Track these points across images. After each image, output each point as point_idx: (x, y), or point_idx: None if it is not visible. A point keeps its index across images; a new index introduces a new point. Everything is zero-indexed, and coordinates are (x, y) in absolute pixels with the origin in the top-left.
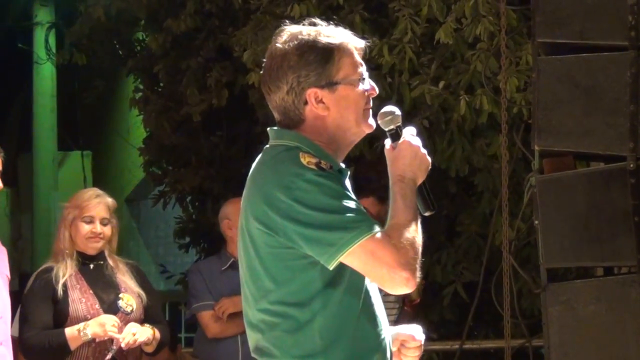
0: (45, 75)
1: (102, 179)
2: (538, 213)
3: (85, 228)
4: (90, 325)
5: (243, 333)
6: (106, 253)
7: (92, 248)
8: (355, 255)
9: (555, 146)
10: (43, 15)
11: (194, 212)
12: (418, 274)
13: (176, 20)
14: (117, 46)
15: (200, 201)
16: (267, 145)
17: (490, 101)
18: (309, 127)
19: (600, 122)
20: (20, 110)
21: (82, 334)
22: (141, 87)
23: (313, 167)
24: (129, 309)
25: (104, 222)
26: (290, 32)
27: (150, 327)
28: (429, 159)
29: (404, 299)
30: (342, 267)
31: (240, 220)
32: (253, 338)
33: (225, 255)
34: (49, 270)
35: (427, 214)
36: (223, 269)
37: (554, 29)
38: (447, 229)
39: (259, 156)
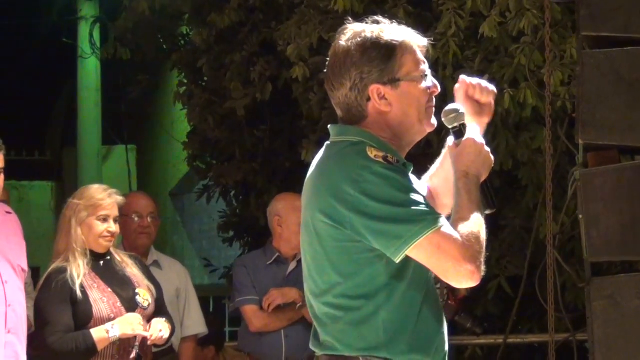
0: (89, 70)
1: (146, 173)
2: (582, 207)
3: (100, 227)
4: (118, 325)
5: (287, 327)
6: (111, 249)
7: (103, 247)
8: (422, 249)
9: (599, 140)
10: (87, 10)
11: (237, 206)
12: (483, 267)
13: (220, 15)
14: (161, 40)
15: (244, 195)
16: (329, 142)
17: (534, 95)
18: (372, 123)
19: None
20: (65, 105)
21: (110, 334)
22: (185, 81)
23: (380, 160)
24: (146, 304)
25: (116, 220)
26: (354, 30)
27: (167, 321)
28: (492, 157)
29: (448, 293)
30: (407, 260)
31: (304, 215)
32: (317, 330)
33: (271, 250)
34: (63, 270)
35: (488, 212)
36: (268, 263)
37: (598, 23)
38: (491, 223)
39: (322, 152)
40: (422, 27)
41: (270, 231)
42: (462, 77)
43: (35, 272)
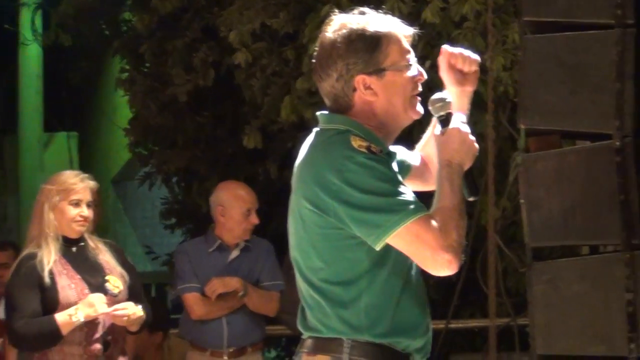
0: (31, 56)
1: (88, 160)
2: (524, 192)
3: (72, 211)
4: (80, 308)
5: (228, 315)
6: (86, 235)
7: (76, 232)
8: (401, 237)
9: (541, 125)
10: None
11: (180, 192)
12: (461, 256)
13: (162, 1)
14: (103, 27)
15: (186, 182)
16: (317, 129)
17: (481, 83)
18: (359, 112)
19: (586, 101)
20: (5, 91)
21: (73, 318)
22: (127, 67)
23: (364, 150)
24: (116, 291)
25: (89, 205)
26: (340, 21)
27: (142, 308)
28: (477, 145)
29: None
30: (388, 248)
31: (292, 201)
32: (304, 314)
33: (213, 238)
34: (33, 256)
35: (471, 199)
36: (210, 251)
37: (540, 8)
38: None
39: (310, 138)
40: None
41: (213, 218)
42: (444, 47)
43: None
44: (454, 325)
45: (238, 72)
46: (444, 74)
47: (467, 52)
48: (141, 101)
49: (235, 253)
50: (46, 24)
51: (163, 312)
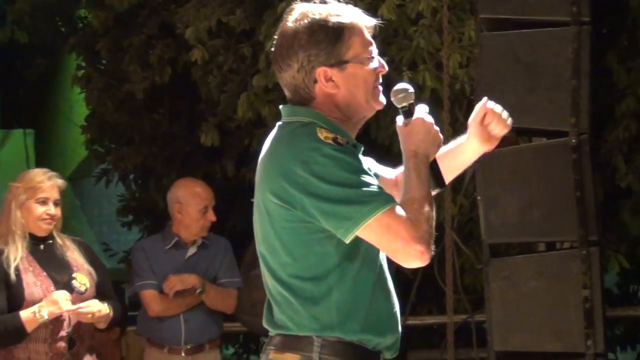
0: None
1: (44, 157)
2: (480, 189)
3: (39, 209)
4: (45, 305)
5: (186, 312)
6: (54, 232)
7: (44, 229)
8: (371, 229)
9: None
10: None
11: (136, 190)
12: (432, 247)
13: None
14: (60, 24)
15: (143, 179)
16: (280, 122)
17: (432, 77)
18: (321, 104)
19: (542, 98)
20: None
21: (38, 315)
22: (83, 64)
23: (330, 141)
24: (82, 289)
25: (56, 203)
26: (301, 10)
27: (108, 306)
28: (441, 136)
29: None
30: (357, 241)
31: (256, 196)
32: (272, 311)
33: (170, 234)
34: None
35: (436, 190)
36: (167, 248)
37: (496, 5)
38: None
39: (273, 132)
40: None
41: (170, 215)
42: (488, 101)
43: None
44: (411, 322)
45: (195, 69)
46: (473, 123)
47: (505, 114)
48: (97, 98)
49: (192, 250)
50: (1, 21)
51: (120, 309)
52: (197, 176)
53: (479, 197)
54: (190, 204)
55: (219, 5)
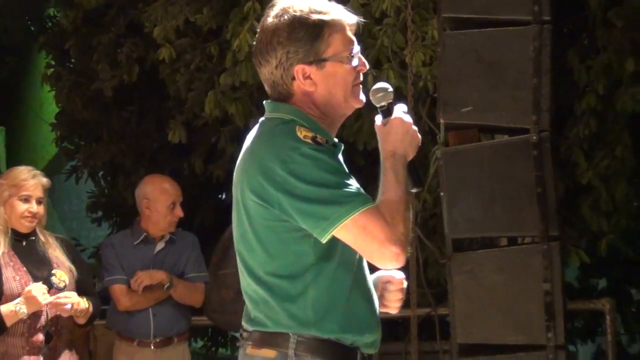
0: None
1: (15, 154)
2: (443, 185)
3: (21, 207)
4: (24, 300)
5: (154, 306)
6: (37, 229)
7: (26, 227)
8: (347, 230)
9: (460, 119)
10: None
11: (106, 186)
12: (408, 249)
13: None
14: (29, 23)
15: (112, 176)
16: (263, 118)
17: (396, 75)
18: (299, 101)
19: (504, 96)
20: None
21: (18, 310)
22: (53, 63)
23: (309, 141)
24: (61, 285)
25: (39, 201)
26: (282, 6)
27: (85, 299)
28: (420, 136)
29: None
30: (334, 241)
31: (235, 192)
32: (248, 308)
33: (138, 230)
34: None
35: (414, 190)
36: (135, 243)
37: (458, 4)
38: None
39: (256, 128)
40: None
41: (138, 211)
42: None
43: None
44: None
45: (162, 68)
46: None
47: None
48: (67, 96)
49: (160, 245)
50: None
51: (99, 305)
52: (165, 173)
53: (442, 193)
54: (158, 200)
55: (186, 4)
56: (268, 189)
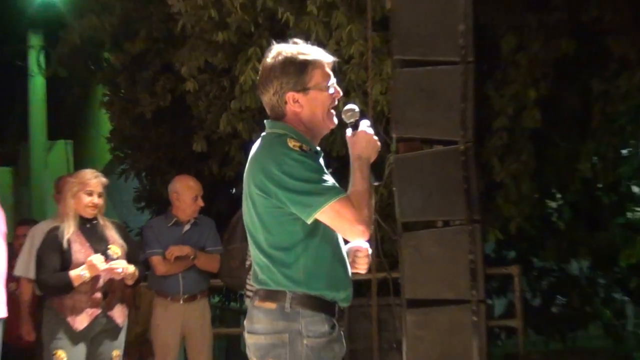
0: (37, 84)
1: (80, 161)
2: (395, 182)
3: (86, 199)
4: (87, 268)
5: (183, 272)
6: (98, 216)
7: (89, 214)
8: (326, 214)
9: (407, 134)
10: (34, 41)
11: (147, 184)
12: (371, 227)
13: (132, 44)
14: (89, 63)
15: (151, 176)
16: (264, 133)
17: (360, 102)
18: (291, 119)
19: (439, 117)
20: (19, 111)
21: (82, 274)
22: (107, 93)
23: (297, 149)
24: (115, 256)
25: (99, 195)
26: (277, 49)
27: (132, 267)
28: (379, 144)
29: None
30: (317, 222)
31: (244, 188)
32: (254, 272)
33: (171, 216)
34: (56, 229)
35: (375, 184)
36: (168, 225)
37: (405, 49)
38: None
39: (259, 141)
40: None
41: (170, 202)
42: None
43: None
44: None
45: (188, 96)
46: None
47: (369, 259)
48: (118, 117)
49: (187, 227)
50: (48, 60)
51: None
52: (191, 173)
53: (394, 188)
54: (185, 193)
55: (205, 50)
56: (268, 184)
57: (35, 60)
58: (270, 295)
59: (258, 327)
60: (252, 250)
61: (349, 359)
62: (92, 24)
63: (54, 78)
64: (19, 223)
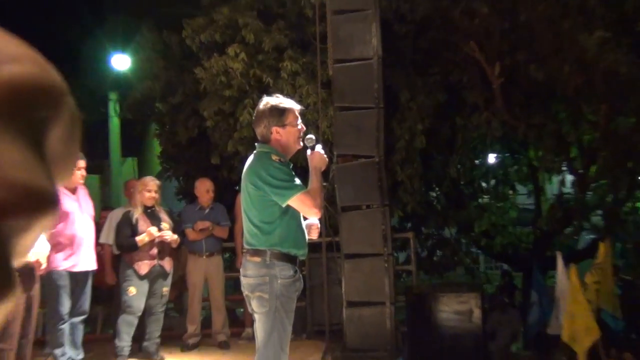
0: (114, 124)
1: (142, 170)
2: (336, 182)
3: (147, 194)
4: (147, 235)
5: (205, 238)
6: (155, 205)
7: (150, 203)
8: (294, 201)
9: (344, 152)
10: (112, 95)
11: (183, 184)
12: (322, 210)
13: (173, 98)
14: (147, 110)
15: (186, 180)
16: (255, 151)
17: (315, 132)
18: (274, 143)
19: (363, 141)
20: (104, 141)
21: (143, 238)
22: (158, 129)
23: (277, 161)
24: (165, 229)
25: (156, 192)
26: (266, 100)
27: (176, 236)
28: (327, 159)
29: None
30: (288, 206)
31: (242, 185)
32: (247, 238)
33: (197, 203)
34: (129, 212)
35: (324, 184)
36: (196, 209)
37: (342, 99)
38: None
39: (252, 156)
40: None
41: (196, 195)
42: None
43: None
44: None
45: (208, 130)
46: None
47: (319, 229)
48: (165, 143)
49: (207, 210)
50: (121, 108)
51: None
52: (210, 178)
53: (336, 185)
54: (202, 188)
55: (218, 101)
56: (258, 182)
57: (113, 107)
58: (257, 252)
59: (249, 273)
60: (245, 223)
61: (310, 291)
62: (148, 85)
63: (125, 119)
64: (102, 209)
